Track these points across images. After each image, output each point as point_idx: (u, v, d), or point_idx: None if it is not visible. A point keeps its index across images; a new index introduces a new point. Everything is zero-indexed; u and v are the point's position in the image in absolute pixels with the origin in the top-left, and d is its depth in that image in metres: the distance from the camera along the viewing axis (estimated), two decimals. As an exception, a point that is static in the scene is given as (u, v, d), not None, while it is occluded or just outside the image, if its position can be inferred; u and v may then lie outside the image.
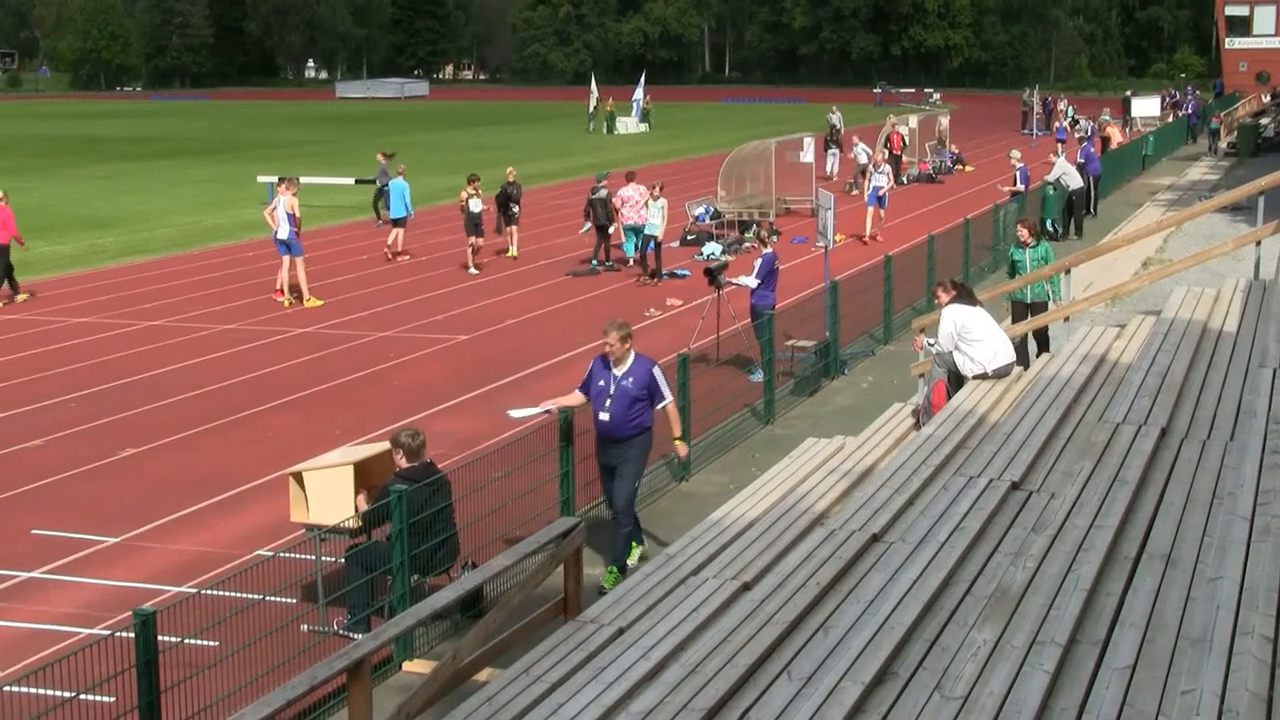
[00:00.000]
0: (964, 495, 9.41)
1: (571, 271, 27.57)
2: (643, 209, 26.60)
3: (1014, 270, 18.48)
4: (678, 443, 11.83)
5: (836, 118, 52.81)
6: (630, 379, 11.40)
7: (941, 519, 8.98)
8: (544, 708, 7.27)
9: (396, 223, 29.82)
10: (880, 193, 31.44)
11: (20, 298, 25.43)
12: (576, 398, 11.76)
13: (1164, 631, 6.92)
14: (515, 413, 12.23)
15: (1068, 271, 17.93)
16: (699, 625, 8.07)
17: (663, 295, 24.37)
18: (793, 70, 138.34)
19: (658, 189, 26.58)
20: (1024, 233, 18.40)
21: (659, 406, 11.51)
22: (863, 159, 37.74)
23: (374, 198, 35.53)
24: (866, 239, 30.60)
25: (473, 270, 27.45)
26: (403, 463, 10.68)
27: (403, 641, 9.77)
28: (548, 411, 11.86)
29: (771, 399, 16.54)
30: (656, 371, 11.56)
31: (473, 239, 27.70)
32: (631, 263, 27.58)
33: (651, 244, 26.35)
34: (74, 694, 7.75)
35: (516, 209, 29.45)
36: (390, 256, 29.45)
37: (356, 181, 40.39)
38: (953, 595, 7.73)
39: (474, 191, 27.47)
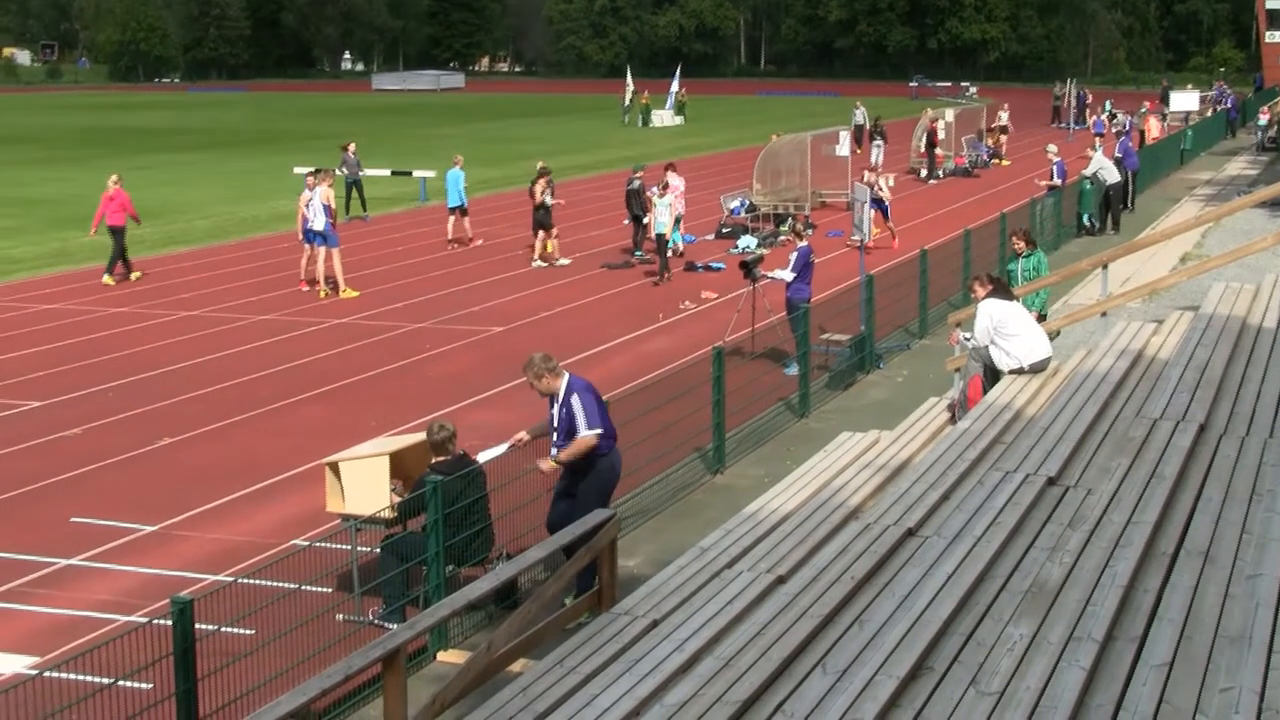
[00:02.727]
0: (1000, 490, 9.37)
1: (607, 264, 27.57)
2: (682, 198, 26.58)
3: (1009, 281, 17.96)
4: (544, 460, 10.87)
5: (860, 113, 52.64)
6: (565, 408, 10.75)
7: (977, 514, 8.95)
8: (578, 699, 7.28)
9: (453, 211, 30.30)
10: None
11: (134, 275, 26.49)
12: (541, 427, 11.16)
13: (1202, 628, 6.88)
14: (484, 455, 11.24)
15: (1105, 266, 17.84)
16: (733, 618, 8.06)
17: (698, 288, 24.36)
18: (828, 64, 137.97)
19: (661, 185, 26.45)
20: (1019, 243, 17.87)
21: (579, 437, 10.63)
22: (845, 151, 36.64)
23: (346, 192, 34.67)
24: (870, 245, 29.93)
25: (540, 264, 27.54)
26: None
27: (437, 632, 9.79)
28: (515, 445, 11.22)
29: (806, 392, 16.51)
30: (575, 399, 10.67)
31: (542, 233, 27.82)
32: (680, 249, 27.64)
33: (665, 241, 25.95)
34: (112, 680, 7.80)
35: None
36: (461, 244, 30.16)
37: (393, 173, 40.49)
38: (988, 590, 7.70)
39: (546, 185, 27.61)
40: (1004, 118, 51.63)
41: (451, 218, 30.37)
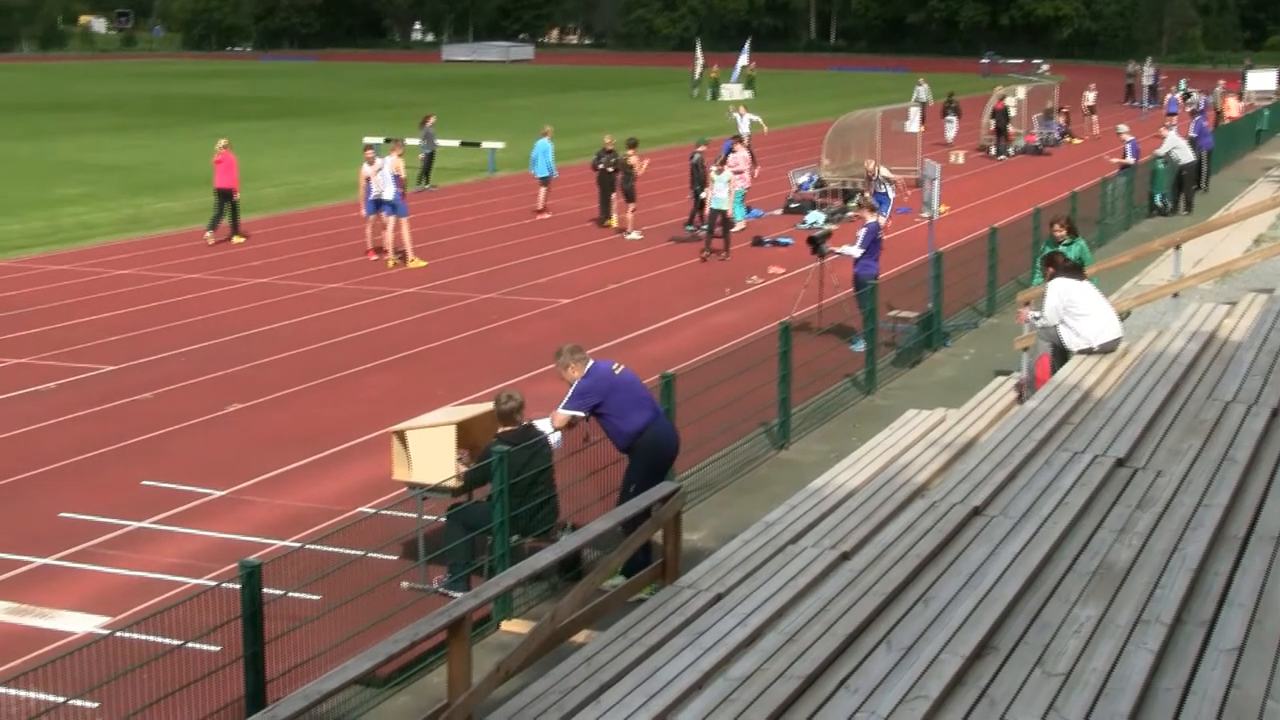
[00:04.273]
0: (1068, 470, 9.29)
1: (675, 238, 27.55)
2: (739, 175, 26.45)
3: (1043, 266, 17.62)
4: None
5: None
6: None
7: (1045, 494, 8.88)
8: (641, 670, 7.30)
9: (544, 181, 30.86)
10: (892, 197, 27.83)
11: (236, 239, 27.25)
12: None
13: (1273, 613, 6.80)
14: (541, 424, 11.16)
15: (1178, 247, 17.63)
16: (797, 593, 8.05)
17: (765, 263, 24.29)
18: (899, 39, 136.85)
19: (719, 161, 26.31)
20: (1060, 231, 17.47)
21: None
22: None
23: (425, 164, 35.96)
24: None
25: (633, 236, 27.66)
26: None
27: (502, 601, 9.85)
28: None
29: (873, 369, 16.44)
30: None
31: (632, 204, 28.04)
32: (741, 224, 27.71)
33: (724, 217, 25.72)
34: (181, 642, 7.91)
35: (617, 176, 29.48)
36: (544, 213, 30.59)
37: (462, 144, 40.60)
38: (1055, 570, 7.65)
39: (637, 157, 27.78)
40: (1090, 98, 50.94)
41: (543, 189, 30.84)
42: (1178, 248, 17.37)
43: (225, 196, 27.21)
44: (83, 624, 10.12)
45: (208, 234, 27.10)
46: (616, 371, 11.05)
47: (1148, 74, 66.66)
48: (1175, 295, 16.63)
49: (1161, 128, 33.67)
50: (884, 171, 27.77)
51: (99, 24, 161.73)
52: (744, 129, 40.18)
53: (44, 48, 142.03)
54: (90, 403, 16.00)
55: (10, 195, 34.59)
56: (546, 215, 30.49)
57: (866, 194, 25.29)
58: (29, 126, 54.62)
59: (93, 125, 55.17)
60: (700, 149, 28.29)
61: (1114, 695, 6.10)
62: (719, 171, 25.70)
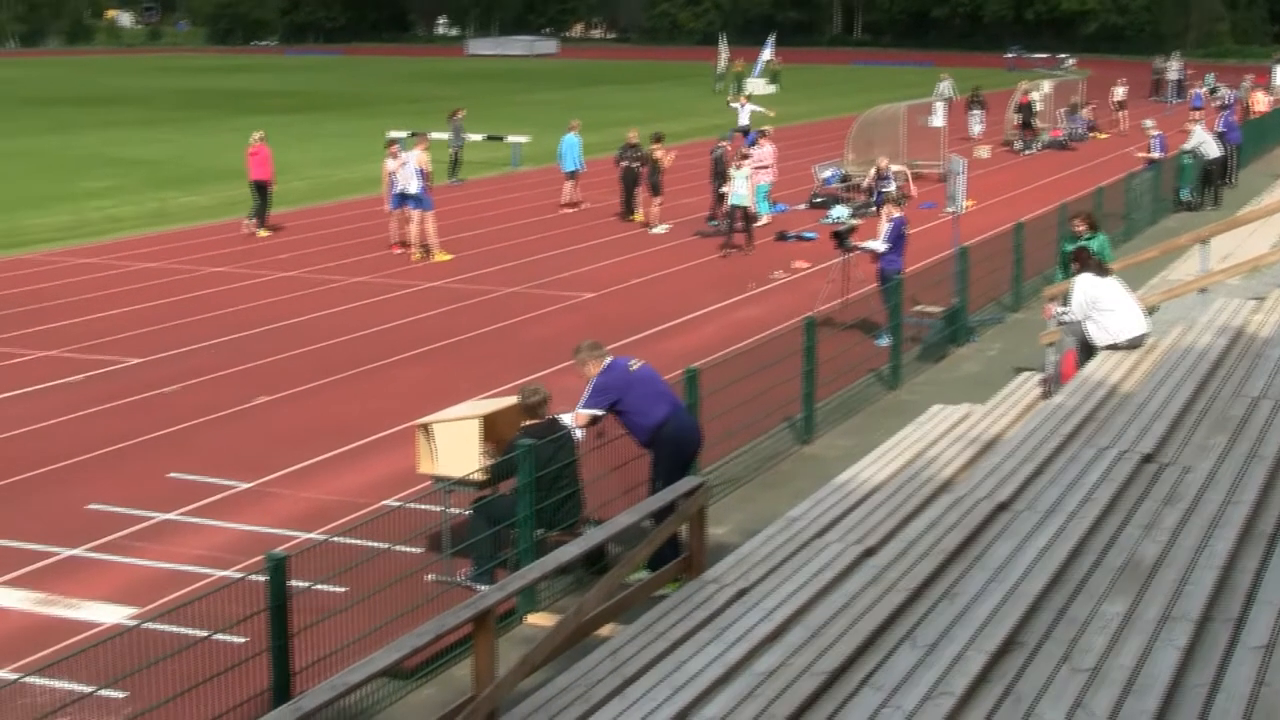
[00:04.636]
0: (1094, 466, 9.26)
1: (699, 232, 27.53)
2: (766, 170, 26.40)
3: (1065, 263, 17.54)
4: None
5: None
6: None
7: (1071, 489, 8.85)
8: (666, 664, 7.31)
9: (570, 175, 30.99)
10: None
11: (262, 233, 27.24)
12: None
13: (1301, 611, 6.78)
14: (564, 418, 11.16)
15: (1205, 242, 17.55)
16: (822, 589, 8.04)
17: (789, 257, 24.26)
18: (923, 34, 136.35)
19: (739, 156, 26.26)
20: (1080, 226, 17.32)
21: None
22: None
23: (453, 157, 36.15)
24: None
25: (660, 229, 27.65)
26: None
27: (527, 594, 9.87)
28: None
29: (898, 364, 16.42)
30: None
31: (658, 198, 28.04)
32: (766, 219, 27.66)
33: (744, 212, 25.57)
34: (208, 633, 7.95)
35: (640, 170, 29.44)
36: (570, 207, 30.72)
37: (486, 138, 40.63)
38: (1081, 566, 7.62)
39: (663, 151, 27.82)
40: (1120, 93, 50.63)
41: (568, 182, 30.98)
42: (1205, 242, 17.29)
43: (260, 188, 27.37)
44: (111, 615, 10.18)
45: (256, 228, 27.29)
46: (634, 368, 11.08)
47: (1174, 69, 66.28)
48: (1202, 290, 16.56)
49: (1186, 123, 33.48)
50: (895, 169, 27.53)
51: (125, 18, 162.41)
52: (744, 120, 40.18)
53: (71, 42, 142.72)
54: (117, 395, 16.08)
55: (37, 189, 34.78)
56: (584, 205, 30.63)
57: (890, 190, 25.26)
58: (56, 120, 54.90)
59: (118, 119, 55.38)
60: (723, 144, 28.28)
61: (1141, 692, 6.08)
62: (738, 167, 25.62)
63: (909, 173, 32.31)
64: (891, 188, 26.46)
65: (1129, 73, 56.58)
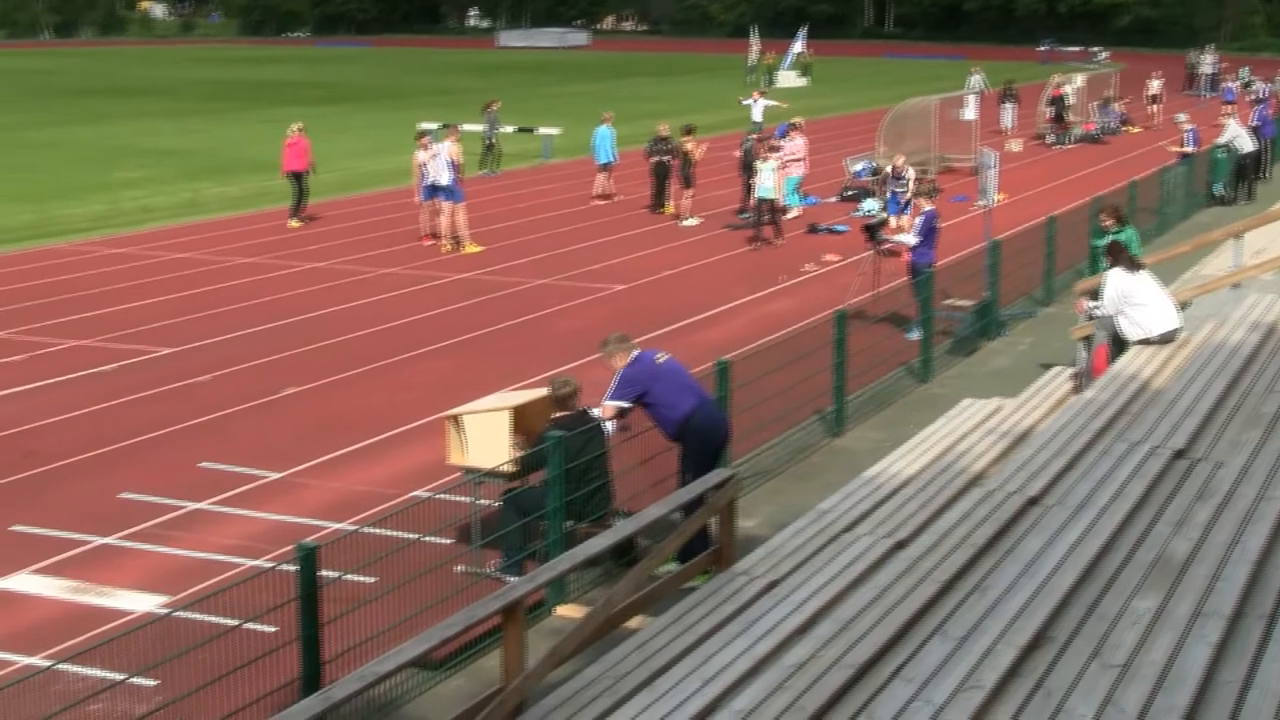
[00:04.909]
0: (1125, 461, 9.23)
1: (729, 224, 27.50)
2: (798, 163, 26.31)
3: (1095, 258, 17.35)
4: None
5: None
6: None
7: (1102, 484, 8.81)
8: (695, 656, 7.31)
9: (604, 168, 31.15)
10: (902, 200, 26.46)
11: (293, 223, 27.45)
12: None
13: (1335, 607, 6.74)
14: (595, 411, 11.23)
15: (1238, 237, 17.44)
16: (852, 581, 8.03)
17: (820, 250, 24.20)
18: (955, 26, 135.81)
19: (768, 148, 26.16)
20: (1108, 220, 16.91)
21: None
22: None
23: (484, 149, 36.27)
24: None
25: (691, 222, 27.64)
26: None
27: (556, 586, 9.87)
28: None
29: (929, 358, 16.37)
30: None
31: (689, 191, 28.04)
32: (797, 211, 27.67)
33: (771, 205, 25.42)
34: (238, 622, 7.98)
35: (671, 163, 29.40)
36: (603, 199, 30.87)
37: (518, 129, 40.64)
38: (1113, 561, 7.59)
39: (694, 143, 27.89)
40: (1155, 86, 50.26)
41: (601, 175, 31.10)
42: (1238, 237, 17.17)
43: (297, 179, 27.58)
44: (142, 603, 10.23)
45: (293, 221, 27.49)
46: (660, 361, 11.09)
47: (1207, 62, 65.83)
48: (1235, 285, 16.45)
49: (1220, 116, 33.25)
50: (911, 172, 27.17)
51: (158, 10, 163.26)
52: (757, 116, 40.07)
53: (104, 33, 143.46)
54: (149, 385, 16.16)
55: (71, 179, 34.98)
56: (618, 197, 30.70)
57: (925, 182, 25.08)
58: (90, 111, 55.18)
59: (151, 110, 55.63)
60: (752, 136, 28.24)
61: (1173, 688, 6.06)
62: (765, 159, 25.51)
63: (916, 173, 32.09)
64: (906, 187, 26.29)
65: (1163, 66, 56.14)
